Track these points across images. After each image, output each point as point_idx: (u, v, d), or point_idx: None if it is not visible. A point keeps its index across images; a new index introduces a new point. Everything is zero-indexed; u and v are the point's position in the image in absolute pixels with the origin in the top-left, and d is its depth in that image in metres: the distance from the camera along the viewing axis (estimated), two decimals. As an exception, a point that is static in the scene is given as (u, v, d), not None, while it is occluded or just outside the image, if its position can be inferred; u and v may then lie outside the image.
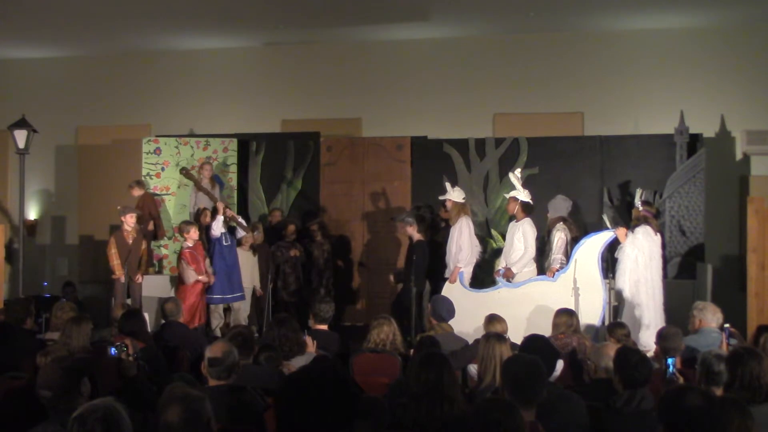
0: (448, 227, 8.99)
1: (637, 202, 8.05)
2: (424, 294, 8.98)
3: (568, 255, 8.20)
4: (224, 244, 9.27)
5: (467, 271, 8.44)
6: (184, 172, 10.23)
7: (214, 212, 9.50)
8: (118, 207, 9.57)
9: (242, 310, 9.49)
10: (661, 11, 10.26)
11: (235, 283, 9.32)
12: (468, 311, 7.18)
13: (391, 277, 9.52)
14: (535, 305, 7.50)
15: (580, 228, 9.08)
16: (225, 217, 9.29)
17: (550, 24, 10.95)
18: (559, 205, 8.73)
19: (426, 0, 9.98)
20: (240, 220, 9.74)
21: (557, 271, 7.98)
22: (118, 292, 9.20)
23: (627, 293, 7.63)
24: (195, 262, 8.99)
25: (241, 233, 9.51)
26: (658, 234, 7.90)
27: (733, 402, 3.28)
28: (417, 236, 9.03)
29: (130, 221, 9.28)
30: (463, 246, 8.38)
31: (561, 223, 8.51)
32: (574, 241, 8.36)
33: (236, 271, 9.34)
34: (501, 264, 8.43)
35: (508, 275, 8.12)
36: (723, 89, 10.64)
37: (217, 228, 9.18)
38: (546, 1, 10.00)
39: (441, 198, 8.83)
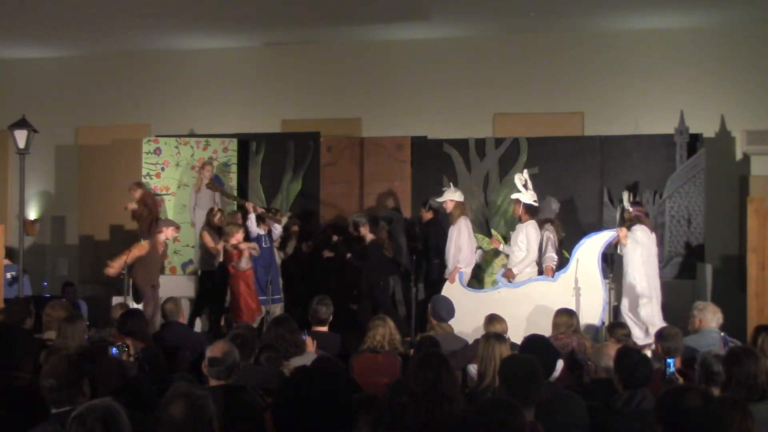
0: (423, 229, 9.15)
1: (627, 205, 8.13)
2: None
3: (556, 254, 8.37)
4: (263, 246, 9.10)
5: (467, 272, 8.46)
6: (210, 185, 10.16)
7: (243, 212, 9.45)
8: (162, 218, 9.68)
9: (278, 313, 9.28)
10: (661, 11, 10.25)
11: (274, 285, 9.13)
12: (468, 311, 7.20)
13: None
14: (535, 305, 7.52)
15: (565, 230, 9.07)
16: (256, 215, 9.13)
17: (550, 24, 10.95)
18: (547, 207, 8.79)
19: (426, 0, 9.98)
20: (269, 214, 9.56)
21: (553, 268, 8.04)
22: (147, 298, 8.95)
23: (631, 289, 7.67)
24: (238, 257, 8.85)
25: (276, 232, 9.33)
26: (653, 232, 7.97)
27: (733, 402, 3.28)
28: (369, 236, 9.23)
29: (170, 234, 9.21)
30: (462, 246, 8.40)
31: (548, 224, 8.60)
32: (559, 244, 8.50)
33: (274, 272, 9.18)
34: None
35: (509, 276, 8.14)
36: (723, 89, 10.63)
37: (253, 227, 9.05)
38: (546, 1, 9.99)
39: (440, 200, 8.81)
